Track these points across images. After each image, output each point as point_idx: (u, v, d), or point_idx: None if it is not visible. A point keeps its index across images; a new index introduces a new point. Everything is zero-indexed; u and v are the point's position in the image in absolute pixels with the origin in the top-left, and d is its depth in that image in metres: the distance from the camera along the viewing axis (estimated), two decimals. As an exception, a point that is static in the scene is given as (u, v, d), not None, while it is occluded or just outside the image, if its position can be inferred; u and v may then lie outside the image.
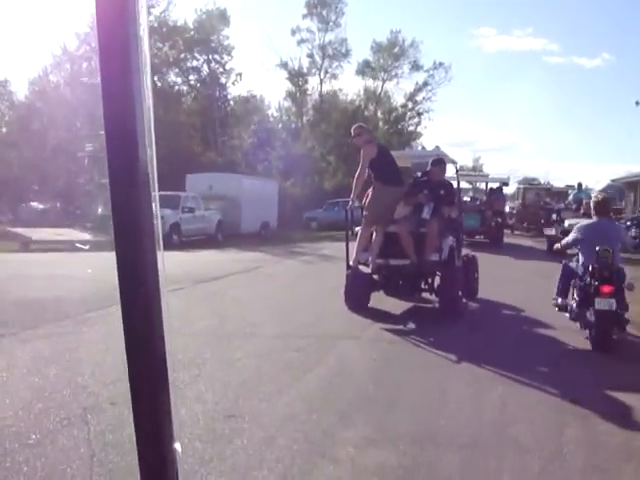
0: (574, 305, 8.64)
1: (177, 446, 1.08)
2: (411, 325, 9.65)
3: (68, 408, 5.30)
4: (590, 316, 8.03)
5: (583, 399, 5.90)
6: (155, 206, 1.04)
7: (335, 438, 4.91)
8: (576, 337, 8.43)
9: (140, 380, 1.06)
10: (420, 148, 11.67)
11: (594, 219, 8.98)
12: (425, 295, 10.90)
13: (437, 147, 12.25)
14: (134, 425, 1.06)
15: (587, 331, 8.21)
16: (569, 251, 9.77)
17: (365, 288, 10.38)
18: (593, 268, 8.10)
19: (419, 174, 11.87)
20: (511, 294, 12.03)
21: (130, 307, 1.03)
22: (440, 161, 11.18)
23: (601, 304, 7.84)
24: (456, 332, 9.16)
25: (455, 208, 11.19)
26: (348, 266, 10.33)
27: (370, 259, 10.18)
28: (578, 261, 8.86)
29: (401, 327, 9.43)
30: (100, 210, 25.45)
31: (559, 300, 9.12)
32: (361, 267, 10.33)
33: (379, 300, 10.78)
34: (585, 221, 9.85)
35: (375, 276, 10.45)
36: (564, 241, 9.38)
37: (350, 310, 10.19)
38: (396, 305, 10.92)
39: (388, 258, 10.11)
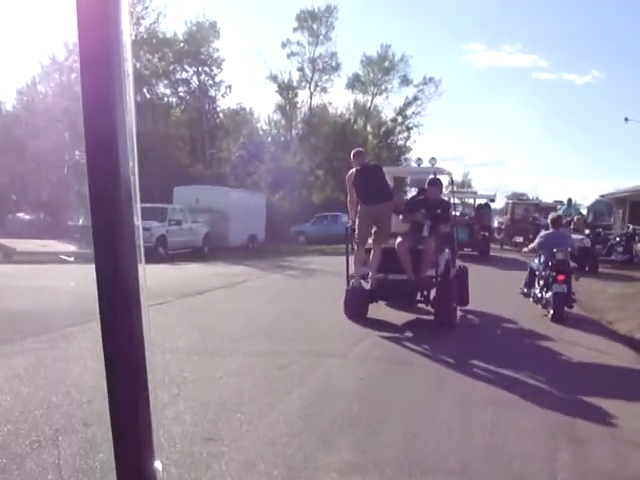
0: (537, 292, 12.40)
1: (158, 464, 1.06)
2: (400, 341, 9.43)
3: (39, 430, 5.05)
4: (549, 298, 11.61)
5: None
6: (137, 219, 1.01)
7: (317, 463, 4.69)
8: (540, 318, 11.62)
9: (120, 397, 1.04)
10: (414, 162, 12.00)
11: (551, 230, 12.82)
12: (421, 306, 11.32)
13: (433, 158, 12.73)
14: (113, 443, 1.06)
15: (546, 310, 11.76)
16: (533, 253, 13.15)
17: (363, 301, 10.85)
18: (552, 263, 11.79)
19: (416, 192, 12.68)
20: (494, 299, 13.58)
21: (110, 323, 1.03)
22: (437, 181, 11.69)
23: (557, 288, 11.40)
24: (445, 345, 9.01)
25: (450, 223, 11.73)
26: (348, 281, 10.88)
27: (370, 275, 10.65)
28: (540, 260, 12.46)
29: (389, 343, 9.22)
30: (81, 221, 25.17)
31: (525, 290, 13.07)
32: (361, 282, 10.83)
33: (371, 312, 11.05)
34: (545, 232, 13.10)
35: (373, 290, 10.82)
36: (531, 245, 13.38)
37: (349, 320, 10.59)
38: (387, 318, 11.04)
39: (387, 273, 10.62)
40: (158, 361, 7.51)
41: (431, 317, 10.79)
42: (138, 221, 1.03)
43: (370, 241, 10.77)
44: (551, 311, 11.39)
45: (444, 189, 12.79)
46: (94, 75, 0.99)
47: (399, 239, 10.60)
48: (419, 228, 10.84)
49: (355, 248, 10.86)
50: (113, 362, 1.06)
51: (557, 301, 11.30)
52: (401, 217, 11.30)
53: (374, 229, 10.73)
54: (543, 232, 13.14)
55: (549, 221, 13.30)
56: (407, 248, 10.49)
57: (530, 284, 12.86)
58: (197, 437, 5.08)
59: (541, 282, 12.23)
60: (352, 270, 10.86)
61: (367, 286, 10.84)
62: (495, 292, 14.77)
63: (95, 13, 0.97)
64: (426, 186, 11.57)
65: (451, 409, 6.21)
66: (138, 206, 1.03)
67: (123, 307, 1.02)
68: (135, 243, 1.01)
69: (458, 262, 12.67)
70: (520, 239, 30.84)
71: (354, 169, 10.93)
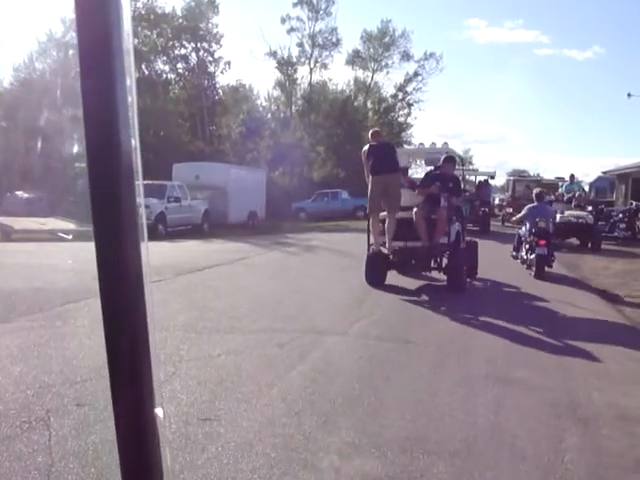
0: (523, 254, 15.10)
1: (159, 411, 1.03)
2: (399, 318, 9.32)
3: (30, 410, 4.92)
4: (532, 259, 14.15)
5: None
6: (140, 196, 0.98)
7: (318, 444, 4.54)
8: (526, 276, 14.11)
9: (119, 345, 0.99)
10: (430, 144, 13.62)
11: (535, 203, 15.21)
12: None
13: (445, 144, 15.29)
14: (111, 392, 1.00)
15: (530, 269, 14.31)
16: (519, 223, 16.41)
17: (382, 267, 12.02)
18: (534, 231, 14.29)
19: (432, 168, 13.58)
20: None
21: (110, 301, 0.98)
22: (452, 158, 12.99)
23: (539, 251, 13.84)
24: (446, 321, 8.89)
25: (461, 198, 13.21)
26: (369, 248, 12.09)
27: (387, 242, 11.79)
28: (525, 228, 15.01)
29: (390, 321, 9.09)
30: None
31: (514, 253, 15.86)
32: (379, 248, 11.90)
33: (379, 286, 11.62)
34: (530, 204, 15.36)
35: (391, 257, 12.02)
36: (518, 216, 16.25)
37: (370, 285, 11.70)
38: (393, 293, 11.32)
39: (404, 241, 11.69)
40: (155, 340, 7.39)
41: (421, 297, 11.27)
42: (140, 198, 0.99)
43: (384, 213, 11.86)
44: (534, 269, 13.94)
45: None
46: (92, 45, 0.94)
47: (415, 209, 11.63)
48: (434, 199, 11.85)
49: (370, 217, 12.03)
50: (115, 337, 0.98)
51: (539, 261, 13.78)
52: (417, 189, 12.48)
53: (385, 199, 11.82)
54: (529, 205, 15.44)
55: (533, 195, 15.83)
56: (423, 217, 11.54)
57: (518, 248, 15.61)
58: (193, 417, 4.93)
59: (526, 246, 14.86)
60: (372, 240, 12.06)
61: (385, 251, 11.88)
62: (494, 261, 15.87)
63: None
64: (441, 162, 12.71)
65: (452, 388, 6.06)
66: (140, 184, 0.99)
67: (125, 286, 0.96)
68: (137, 221, 0.97)
69: (467, 237, 13.72)
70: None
71: (367, 145, 12.22)
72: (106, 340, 0.98)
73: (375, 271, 11.89)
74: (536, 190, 16.32)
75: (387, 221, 11.73)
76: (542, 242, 13.84)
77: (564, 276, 14.43)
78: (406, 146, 44.23)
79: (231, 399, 5.43)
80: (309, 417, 5.06)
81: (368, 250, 12.08)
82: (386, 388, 5.98)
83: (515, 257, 15.64)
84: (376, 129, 13.13)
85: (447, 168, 12.47)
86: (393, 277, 12.36)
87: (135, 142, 0.99)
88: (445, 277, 11.92)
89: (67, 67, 36.62)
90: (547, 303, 10.90)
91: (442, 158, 12.82)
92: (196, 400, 5.36)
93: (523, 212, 15.35)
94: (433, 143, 15.67)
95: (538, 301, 11.12)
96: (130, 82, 0.97)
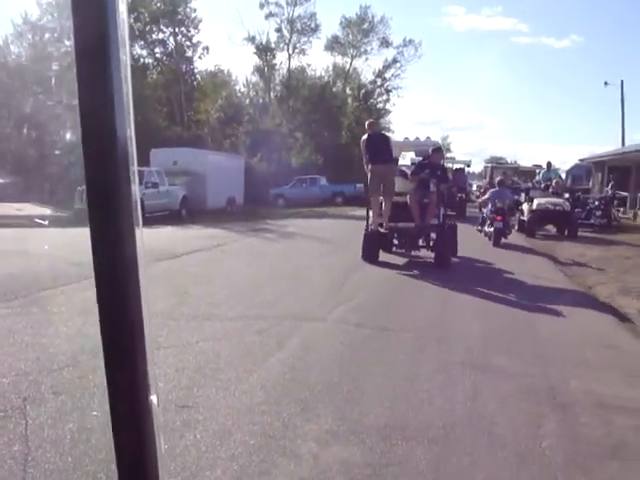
0: (485, 228, 19.34)
1: (153, 398, 1.04)
2: (377, 304, 9.35)
3: (6, 398, 4.86)
4: (492, 231, 18.15)
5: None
6: (135, 183, 1.01)
7: (296, 432, 4.53)
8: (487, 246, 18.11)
9: (114, 333, 1.00)
10: (423, 138, 17.74)
11: (497, 188, 19.59)
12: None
13: (428, 138, 19.09)
14: (107, 378, 1.00)
15: (491, 240, 18.21)
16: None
17: (376, 246, 13.55)
18: (494, 210, 18.15)
19: (421, 158, 15.71)
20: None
21: (106, 287, 0.99)
22: (439, 149, 15.42)
23: (496, 224, 17.83)
24: (423, 306, 8.92)
25: (448, 184, 14.99)
26: (367, 227, 13.63)
27: (384, 223, 13.42)
28: (488, 208, 18.92)
29: (368, 307, 9.09)
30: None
31: (479, 228, 20.15)
32: (377, 228, 13.53)
33: (354, 274, 11.61)
34: (493, 189, 19.95)
35: (388, 234, 13.70)
36: (483, 197, 20.94)
37: (365, 261, 13.25)
38: (369, 279, 11.46)
39: (398, 222, 13.37)
40: (150, 326, 7.33)
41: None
42: (135, 185, 1.01)
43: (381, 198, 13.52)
44: (491, 238, 18.22)
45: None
46: (88, 38, 0.95)
47: (409, 194, 13.40)
48: (424, 186, 13.51)
49: (370, 200, 13.68)
50: (109, 320, 0.99)
51: (496, 233, 17.90)
52: (410, 177, 14.15)
53: (382, 185, 13.41)
54: (492, 189, 20.27)
55: (496, 182, 20.94)
56: (416, 200, 13.28)
57: (482, 224, 19.99)
58: (171, 404, 4.90)
59: (488, 222, 19.17)
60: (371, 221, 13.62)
61: (382, 231, 13.49)
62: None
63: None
64: (430, 152, 14.63)
65: (430, 375, 6.08)
66: (135, 169, 1.01)
67: (120, 273, 0.99)
68: (132, 208, 0.99)
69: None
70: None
71: (366, 135, 13.76)
72: (101, 327, 0.99)
73: (371, 248, 13.40)
74: (498, 178, 21.72)
75: (384, 205, 13.43)
76: (499, 218, 17.93)
77: (521, 245, 18.49)
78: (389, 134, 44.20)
79: (209, 386, 5.40)
80: (288, 404, 5.05)
81: (366, 229, 13.60)
82: (365, 375, 5.99)
83: (480, 231, 20.00)
84: (372, 120, 15.23)
85: (435, 158, 14.27)
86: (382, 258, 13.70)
87: (130, 131, 1.00)
88: (432, 254, 13.63)
89: (43, 51, 36.18)
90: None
91: (430, 149, 14.87)
92: (174, 387, 5.33)
93: (487, 195, 20.01)
94: (417, 137, 19.01)
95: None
96: (125, 71, 0.98)
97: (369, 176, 13.49)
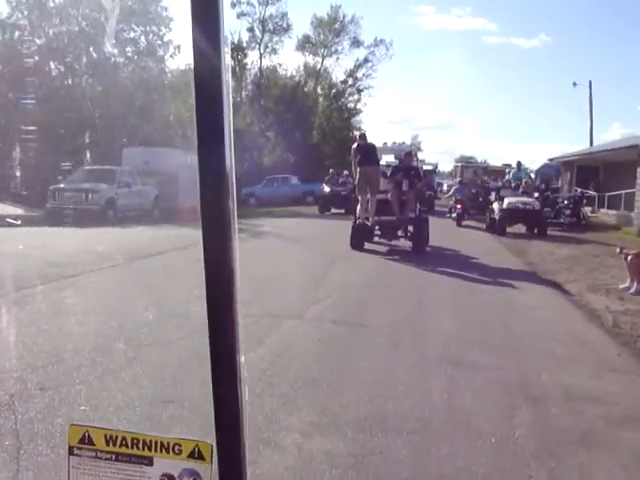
0: (453, 215, 26.60)
1: (242, 359, 1.30)
2: (354, 302, 9.50)
3: (-7, 395, 4.96)
4: (454, 216, 25.99)
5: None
6: (233, 202, 1.29)
7: (280, 424, 4.68)
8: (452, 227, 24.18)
9: (216, 307, 1.31)
10: (398, 144, 25.60)
11: (457, 185, 29.69)
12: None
13: (403, 142, 26.06)
14: (209, 341, 1.30)
15: (454, 222, 25.56)
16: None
17: (363, 236, 15.84)
18: (455, 201, 26.87)
19: (398, 162, 18.93)
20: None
21: (213, 278, 1.31)
22: (410, 152, 18.82)
23: (457, 211, 25.75)
24: (395, 301, 9.10)
25: (423, 182, 18.82)
26: (355, 220, 15.95)
27: (370, 217, 15.59)
28: (452, 200, 27.83)
29: (344, 304, 9.26)
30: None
31: (447, 215, 27.91)
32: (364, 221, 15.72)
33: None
34: (455, 186, 29.98)
35: (372, 226, 15.87)
36: (449, 194, 31.83)
37: (353, 249, 15.48)
38: (347, 277, 11.84)
39: (382, 216, 15.64)
40: (113, 325, 7.43)
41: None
42: (234, 205, 1.30)
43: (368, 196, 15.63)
44: (455, 222, 25.31)
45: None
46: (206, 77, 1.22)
47: (389, 193, 15.80)
48: (402, 185, 15.85)
49: (359, 198, 15.89)
50: (214, 297, 1.31)
51: (458, 217, 25.52)
52: (388, 179, 16.47)
53: (368, 185, 15.57)
54: (455, 186, 29.98)
55: (457, 180, 32.49)
56: (396, 197, 15.67)
57: (450, 212, 27.79)
58: (156, 400, 5.02)
59: (452, 209, 27.30)
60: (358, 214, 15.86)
61: (368, 224, 15.63)
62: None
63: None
64: (403, 157, 17.71)
65: (408, 370, 6.25)
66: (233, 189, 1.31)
67: (223, 269, 1.30)
68: (232, 222, 1.31)
69: None
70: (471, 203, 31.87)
71: (356, 143, 16.28)
72: (207, 305, 1.30)
73: (358, 238, 15.69)
74: (458, 178, 33.61)
75: (369, 201, 15.56)
76: (459, 206, 25.86)
77: (474, 225, 24.92)
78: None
79: (192, 382, 5.51)
80: (270, 398, 5.19)
81: (355, 222, 15.89)
82: (344, 370, 6.15)
83: (448, 217, 27.49)
84: (363, 132, 18.38)
85: (407, 161, 17.24)
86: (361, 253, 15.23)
87: (232, 161, 1.29)
88: (409, 243, 15.94)
89: (13, 49, 35.85)
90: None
91: (404, 153, 18.21)
92: (158, 384, 5.45)
93: (451, 192, 29.77)
94: (394, 142, 24.70)
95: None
96: (229, 102, 1.23)
97: (358, 177, 15.81)
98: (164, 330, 7.33)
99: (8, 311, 8.02)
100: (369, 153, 15.97)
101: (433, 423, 4.83)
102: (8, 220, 18.94)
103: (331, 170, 34.87)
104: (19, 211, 22.90)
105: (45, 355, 6.02)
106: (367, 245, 16.03)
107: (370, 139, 17.11)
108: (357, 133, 18.75)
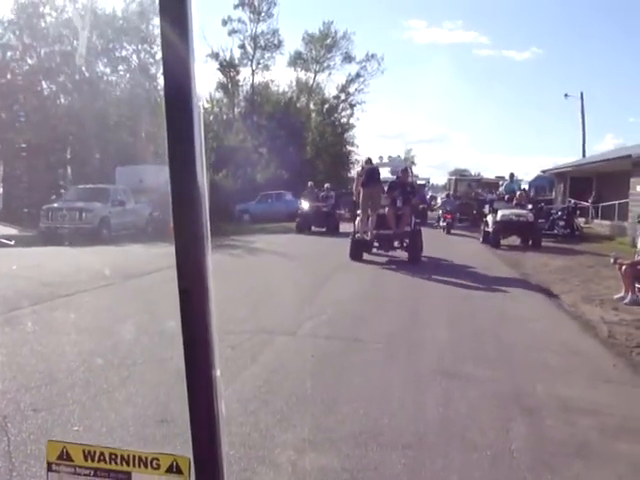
0: (441, 223, 30.22)
1: (218, 372, 1.29)
2: (346, 320, 9.50)
3: (-15, 416, 4.93)
4: (444, 225, 29.19)
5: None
6: (205, 217, 1.29)
7: (274, 441, 4.66)
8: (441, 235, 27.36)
9: (191, 319, 1.32)
10: (393, 159, 29.08)
11: (446, 198, 33.02)
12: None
13: (398, 156, 27.25)
14: (184, 355, 1.33)
15: (443, 230, 28.93)
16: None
17: (361, 248, 17.07)
18: (444, 211, 30.28)
19: (395, 178, 20.19)
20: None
21: (186, 292, 1.30)
22: (406, 169, 20.26)
23: (446, 220, 29.05)
24: (386, 316, 9.10)
25: (415, 198, 19.09)
26: (353, 235, 17.07)
27: (368, 232, 16.77)
28: (442, 211, 31.20)
29: (337, 320, 9.25)
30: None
31: (436, 224, 30.78)
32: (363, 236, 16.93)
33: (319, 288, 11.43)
34: (443, 198, 34.02)
35: (372, 240, 17.07)
36: (438, 205, 35.31)
37: (352, 260, 16.60)
38: (340, 294, 11.60)
39: (380, 229, 16.76)
40: (107, 344, 7.41)
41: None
42: (206, 220, 1.30)
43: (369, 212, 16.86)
44: (445, 230, 28.17)
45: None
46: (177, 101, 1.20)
47: (387, 208, 16.85)
48: (397, 201, 17.09)
49: (360, 214, 16.95)
50: (189, 311, 1.32)
51: (447, 225, 28.53)
52: (385, 195, 17.48)
53: (370, 203, 16.76)
54: (443, 199, 32.94)
55: (445, 194, 34.18)
56: (393, 212, 16.83)
57: (439, 221, 30.28)
58: (149, 419, 5.00)
59: (442, 219, 29.71)
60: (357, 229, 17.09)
61: (367, 238, 16.82)
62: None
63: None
64: (400, 174, 19.12)
65: (400, 383, 6.24)
66: (206, 207, 1.29)
67: (197, 280, 1.30)
68: (204, 235, 1.31)
69: None
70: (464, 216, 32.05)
71: (362, 167, 18.59)
72: (182, 318, 1.33)
73: (357, 250, 16.92)
74: (446, 192, 35.75)
75: (370, 217, 16.79)
76: (448, 216, 28.85)
77: (463, 234, 26.82)
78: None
79: (186, 401, 5.47)
80: (264, 415, 5.17)
81: (353, 236, 17.03)
82: (338, 385, 6.13)
83: (437, 227, 29.93)
84: (370, 158, 19.59)
85: (403, 177, 18.68)
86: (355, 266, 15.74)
87: (203, 177, 1.26)
88: (405, 254, 17.00)
89: (5, 69, 35.91)
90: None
91: (400, 171, 19.66)
92: (152, 403, 5.42)
93: (440, 203, 32.40)
94: (390, 156, 27.82)
95: (475, 282, 13.53)
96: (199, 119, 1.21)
97: (361, 196, 17.06)
98: (157, 348, 7.30)
99: (1, 331, 8.00)
100: (373, 175, 17.56)
101: (428, 437, 4.82)
102: (1, 240, 18.89)
103: (310, 183, 31.70)
104: (13, 231, 22.85)
105: (38, 375, 5.99)
106: (365, 256, 17.09)
107: (364, 154, 18.78)
108: (365, 159, 19.54)
